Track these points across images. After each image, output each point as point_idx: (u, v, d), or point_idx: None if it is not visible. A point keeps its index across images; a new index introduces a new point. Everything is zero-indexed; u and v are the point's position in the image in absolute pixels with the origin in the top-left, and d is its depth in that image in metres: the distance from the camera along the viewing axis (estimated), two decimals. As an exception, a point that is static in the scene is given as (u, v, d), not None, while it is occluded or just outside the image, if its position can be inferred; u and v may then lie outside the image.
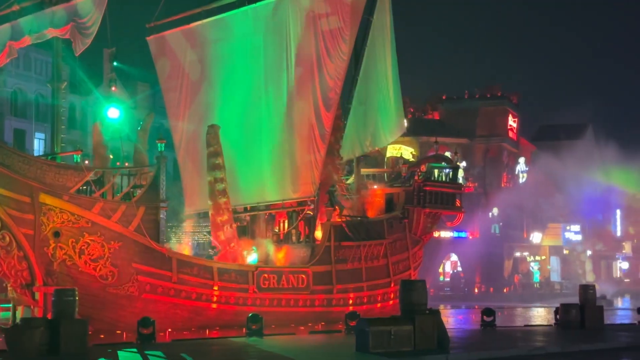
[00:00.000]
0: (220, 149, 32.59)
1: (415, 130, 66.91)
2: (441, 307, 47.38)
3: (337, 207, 35.35)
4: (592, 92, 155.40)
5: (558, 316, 27.33)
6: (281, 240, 35.43)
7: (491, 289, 70.86)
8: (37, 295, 27.32)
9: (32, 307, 27.92)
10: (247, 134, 35.88)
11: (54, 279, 27.13)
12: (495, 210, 76.39)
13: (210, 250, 33.43)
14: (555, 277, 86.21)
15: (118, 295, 28.14)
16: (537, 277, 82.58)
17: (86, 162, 32.70)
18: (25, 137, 54.74)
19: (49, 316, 21.38)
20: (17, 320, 24.80)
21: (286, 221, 36.03)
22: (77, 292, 19.97)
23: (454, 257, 74.09)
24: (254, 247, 33.92)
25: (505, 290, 71.96)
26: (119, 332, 26.85)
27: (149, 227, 28.72)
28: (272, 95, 35.90)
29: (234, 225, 32.85)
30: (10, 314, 29.52)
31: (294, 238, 35.35)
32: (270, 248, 34.36)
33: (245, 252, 33.31)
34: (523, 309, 50.31)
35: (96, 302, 27.38)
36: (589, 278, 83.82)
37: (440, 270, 73.56)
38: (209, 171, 32.53)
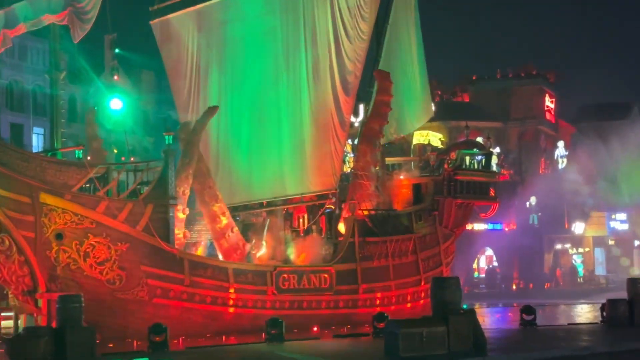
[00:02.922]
0: (201, 154, 32.04)
1: (444, 115, 66.67)
2: (476, 305, 47.31)
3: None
4: (636, 68, 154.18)
5: (604, 313, 27.24)
6: (301, 237, 35.36)
7: (530, 285, 70.60)
8: (40, 303, 27.46)
9: (35, 315, 28.02)
10: (262, 123, 35.92)
11: (57, 284, 27.27)
12: (533, 200, 76.07)
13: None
14: (600, 270, 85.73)
15: (127, 301, 28.24)
16: (580, 271, 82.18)
17: (89, 157, 32.88)
18: (22, 132, 55.11)
19: (54, 324, 21.51)
20: (20, 330, 25.00)
21: (306, 216, 36.03)
22: (82, 298, 20.09)
23: (489, 251, 73.88)
24: (263, 242, 33.86)
25: (545, 286, 71.70)
26: (128, 339, 26.93)
27: (157, 226, 28.77)
28: (288, 80, 35.89)
29: (236, 229, 32.73)
30: (12, 323, 29.74)
31: (314, 234, 35.29)
32: (289, 246, 34.33)
33: (251, 249, 33.18)
34: (566, 306, 50.11)
35: (103, 309, 27.45)
36: (638, 271, 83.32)
37: (475, 265, 73.42)
38: (193, 178, 31.87)
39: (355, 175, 35.49)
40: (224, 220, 32.29)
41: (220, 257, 32.20)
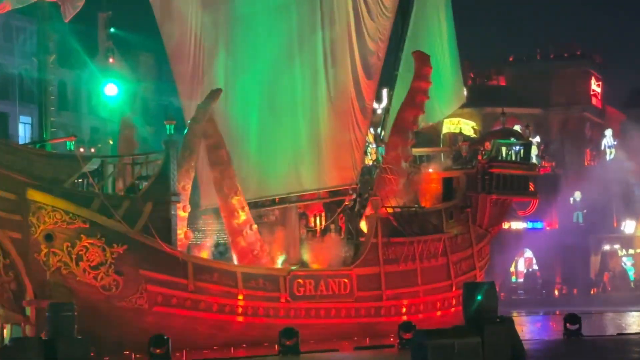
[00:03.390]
0: (222, 138, 32.41)
1: (477, 100, 66.58)
2: (514, 313, 47.24)
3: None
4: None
5: (658, 322, 27.19)
6: (317, 238, 35.44)
7: (574, 291, 70.44)
8: (29, 311, 27.56)
9: (22, 325, 28.09)
10: (274, 111, 35.84)
11: (47, 291, 27.36)
12: (577, 195, 75.82)
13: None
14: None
15: (124, 309, 28.35)
16: (631, 275, 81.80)
17: (81, 149, 32.99)
18: (8, 122, 55.28)
19: (43, 335, 21.58)
20: (6, 342, 25.10)
21: (323, 214, 36.10)
22: (75, 306, 20.15)
23: (528, 253, 73.72)
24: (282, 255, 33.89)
25: (592, 292, 71.48)
26: (126, 352, 27.14)
27: (158, 226, 28.85)
28: (303, 63, 35.88)
29: (255, 227, 32.73)
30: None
31: (332, 234, 35.34)
32: (305, 247, 34.44)
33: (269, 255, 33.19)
34: (615, 314, 49.97)
35: (98, 318, 27.42)
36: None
37: (512, 269, 73.30)
38: (212, 167, 32.41)
39: (382, 170, 35.53)
40: (242, 216, 32.24)
41: (235, 259, 32.23)
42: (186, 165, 31.08)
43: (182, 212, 30.56)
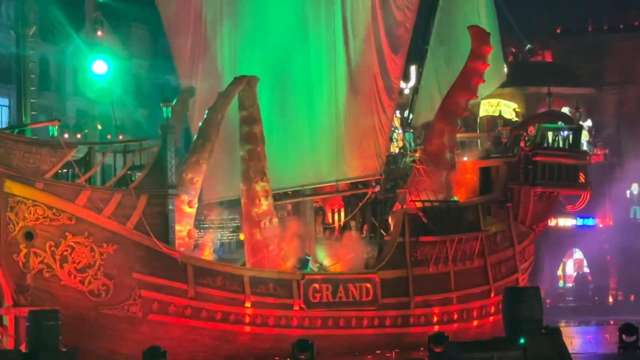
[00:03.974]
0: (259, 112, 32.66)
1: (519, 79, 66.46)
2: (562, 323, 47.13)
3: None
4: None
5: None
6: (336, 236, 35.53)
7: (632, 297, 70.26)
8: (6, 320, 27.63)
9: (0, 336, 28.39)
10: (285, 91, 35.77)
11: (27, 297, 27.41)
12: (634, 187, 75.61)
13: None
14: None
15: (115, 318, 28.39)
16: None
17: (65, 135, 33.02)
18: (-19, 104, 55.56)
19: (23, 348, 21.71)
20: (-19, 355, 25.20)
21: (342, 210, 36.16)
22: (59, 314, 20.24)
23: (578, 253, 73.57)
24: (307, 256, 33.69)
25: (652, 299, 71.38)
26: (117, 367, 27.24)
27: (153, 222, 28.94)
28: (319, 36, 35.87)
29: (276, 221, 32.70)
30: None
31: (353, 233, 35.43)
32: (321, 248, 34.54)
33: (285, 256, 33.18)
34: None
35: (86, 328, 27.64)
36: None
37: (560, 272, 73.14)
38: (241, 143, 32.50)
39: (421, 160, 35.51)
40: (264, 206, 32.21)
41: (246, 254, 32.32)
42: (197, 155, 31.33)
43: (187, 208, 30.74)
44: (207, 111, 32.53)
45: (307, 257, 33.26)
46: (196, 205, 31.41)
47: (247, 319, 30.30)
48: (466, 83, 36.58)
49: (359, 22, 35.55)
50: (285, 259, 32.94)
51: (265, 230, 32.20)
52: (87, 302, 28.04)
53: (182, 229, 30.49)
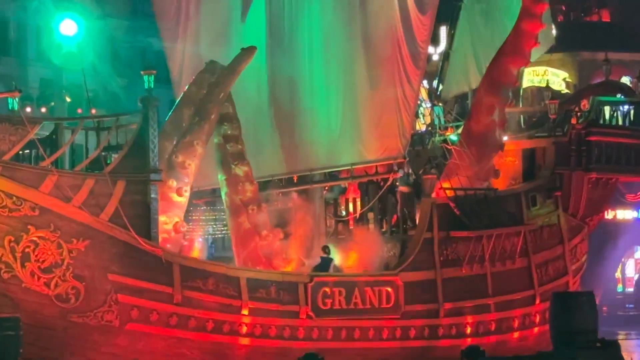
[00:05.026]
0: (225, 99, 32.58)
1: (571, 43, 66.26)
2: (621, 335, 47.64)
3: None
4: None
5: None
6: (350, 230, 35.83)
7: None
8: (-42, 329, 28.29)
9: (-50, 348, 28.93)
10: (289, 58, 35.98)
11: (-18, 302, 27.63)
12: None
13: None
14: None
15: (87, 327, 28.54)
16: None
17: (27, 109, 33.35)
18: None
19: (-22, 361, 22.32)
20: None
21: (358, 199, 36.48)
22: (20, 323, 20.99)
23: (639, 252, 73.87)
24: (327, 246, 33.81)
25: None
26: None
27: (132, 213, 29.08)
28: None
29: (265, 206, 32.87)
30: None
31: (371, 226, 35.91)
32: (333, 244, 34.46)
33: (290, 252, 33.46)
34: None
35: (52, 339, 27.96)
36: None
37: (618, 274, 73.11)
38: (215, 127, 32.31)
39: (461, 143, 36.06)
40: (249, 191, 32.38)
41: (234, 249, 32.52)
42: (192, 136, 31.39)
43: (176, 196, 30.70)
44: (208, 85, 32.66)
45: (330, 257, 33.33)
46: (187, 194, 31.25)
47: (244, 330, 30.51)
48: (518, 47, 36.76)
49: (377, -26, 35.53)
50: (285, 251, 33.10)
51: (253, 216, 32.28)
52: (53, 308, 28.16)
53: (169, 221, 30.47)
